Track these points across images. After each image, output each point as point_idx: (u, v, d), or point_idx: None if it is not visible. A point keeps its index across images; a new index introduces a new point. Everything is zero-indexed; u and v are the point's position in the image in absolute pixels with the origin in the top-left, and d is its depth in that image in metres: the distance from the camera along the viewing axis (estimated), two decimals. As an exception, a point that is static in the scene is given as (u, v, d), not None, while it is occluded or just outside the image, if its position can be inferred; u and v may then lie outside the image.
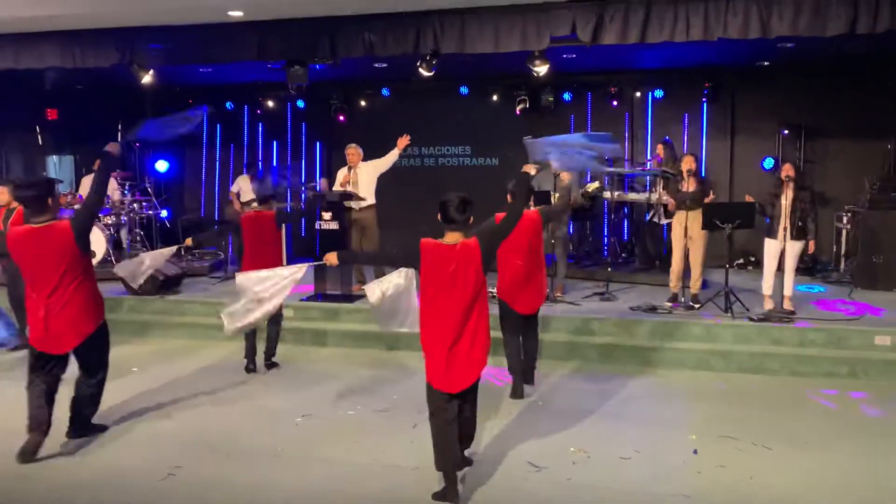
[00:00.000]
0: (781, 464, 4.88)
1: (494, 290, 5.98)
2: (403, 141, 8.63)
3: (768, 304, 7.69)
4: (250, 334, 6.80)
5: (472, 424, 4.58)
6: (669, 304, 8.00)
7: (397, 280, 4.89)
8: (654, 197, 9.50)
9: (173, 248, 6.64)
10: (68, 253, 4.80)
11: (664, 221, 9.31)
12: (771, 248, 7.62)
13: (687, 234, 7.92)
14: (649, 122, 11.31)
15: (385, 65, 9.60)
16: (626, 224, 11.18)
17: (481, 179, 10.69)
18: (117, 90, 11.14)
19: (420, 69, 7.93)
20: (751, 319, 7.36)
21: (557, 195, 7.81)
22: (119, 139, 11.60)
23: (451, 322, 4.21)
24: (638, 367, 7.02)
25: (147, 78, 8.42)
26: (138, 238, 10.89)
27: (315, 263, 5.59)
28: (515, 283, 5.99)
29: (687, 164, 8.02)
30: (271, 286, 5.30)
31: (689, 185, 7.95)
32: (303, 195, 11.93)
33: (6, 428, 5.35)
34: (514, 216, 4.58)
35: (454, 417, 4.33)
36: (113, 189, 10.89)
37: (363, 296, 8.44)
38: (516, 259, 5.93)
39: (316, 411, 5.89)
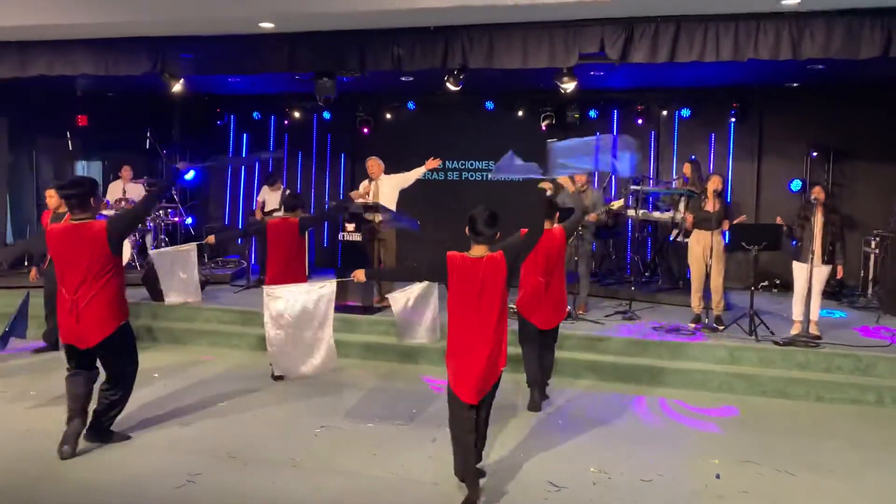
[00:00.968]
0: (805, 491, 4.79)
1: (514, 305, 5.99)
2: (432, 163, 8.68)
3: (796, 329, 7.57)
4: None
5: (486, 424, 4.61)
6: (692, 324, 7.92)
7: (420, 291, 4.92)
8: (679, 216, 9.43)
9: (192, 245, 6.65)
10: (98, 251, 4.91)
11: (683, 240, 9.24)
12: (800, 271, 7.51)
13: (710, 254, 7.84)
14: (675, 141, 11.24)
15: (411, 78, 9.63)
16: (649, 243, 11.10)
17: (504, 194, 10.65)
18: (146, 98, 11.31)
19: (447, 83, 7.95)
20: (776, 343, 7.26)
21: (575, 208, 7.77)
22: (147, 146, 11.86)
23: (477, 333, 4.29)
24: (659, 388, 6.94)
25: (177, 87, 8.51)
26: (163, 244, 10.98)
27: (342, 280, 5.65)
28: (535, 297, 6.04)
29: (714, 183, 7.95)
30: (309, 316, 5.41)
31: (713, 206, 7.88)
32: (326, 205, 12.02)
33: (24, 431, 5.39)
34: (535, 233, 4.63)
35: (473, 427, 4.41)
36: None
37: (383, 308, 8.52)
38: (537, 275, 5.95)
39: (335, 423, 5.88)
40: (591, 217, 8.27)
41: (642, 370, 7.16)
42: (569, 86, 7.82)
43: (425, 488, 4.68)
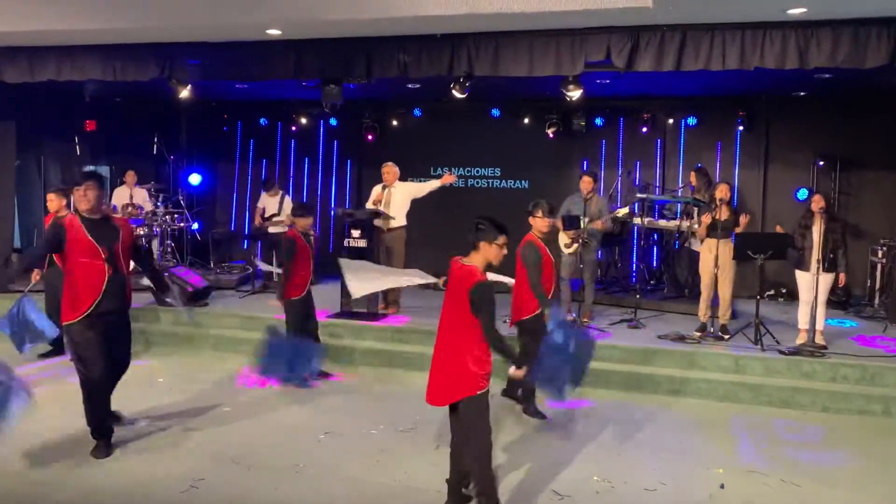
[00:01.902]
0: (811, 502, 4.77)
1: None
2: (448, 178, 8.76)
3: (802, 338, 7.54)
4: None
5: (461, 455, 4.31)
6: (698, 333, 7.89)
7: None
8: (685, 224, 9.40)
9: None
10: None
11: (697, 248, 9.21)
12: (803, 280, 7.49)
13: (716, 262, 7.82)
14: (681, 149, 11.22)
15: (418, 85, 9.66)
16: (655, 251, 11.08)
17: (510, 201, 10.67)
18: (154, 103, 11.35)
19: (453, 90, 7.97)
20: (781, 352, 7.23)
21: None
22: (154, 151, 11.89)
23: (441, 337, 4.31)
24: (664, 397, 6.92)
25: (185, 92, 8.55)
26: (169, 249, 11.01)
27: (431, 281, 5.66)
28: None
29: (721, 192, 7.92)
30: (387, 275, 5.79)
31: (721, 214, 7.86)
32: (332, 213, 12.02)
33: (29, 434, 5.40)
34: (498, 340, 4.22)
35: (453, 432, 4.39)
36: (144, 200, 11.06)
37: (388, 314, 8.54)
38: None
39: (339, 428, 5.88)
40: (597, 224, 8.26)
41: (647, 379, 7.13)
42: (575, 94, 7.83)
43: (429, 495, 4.67)
